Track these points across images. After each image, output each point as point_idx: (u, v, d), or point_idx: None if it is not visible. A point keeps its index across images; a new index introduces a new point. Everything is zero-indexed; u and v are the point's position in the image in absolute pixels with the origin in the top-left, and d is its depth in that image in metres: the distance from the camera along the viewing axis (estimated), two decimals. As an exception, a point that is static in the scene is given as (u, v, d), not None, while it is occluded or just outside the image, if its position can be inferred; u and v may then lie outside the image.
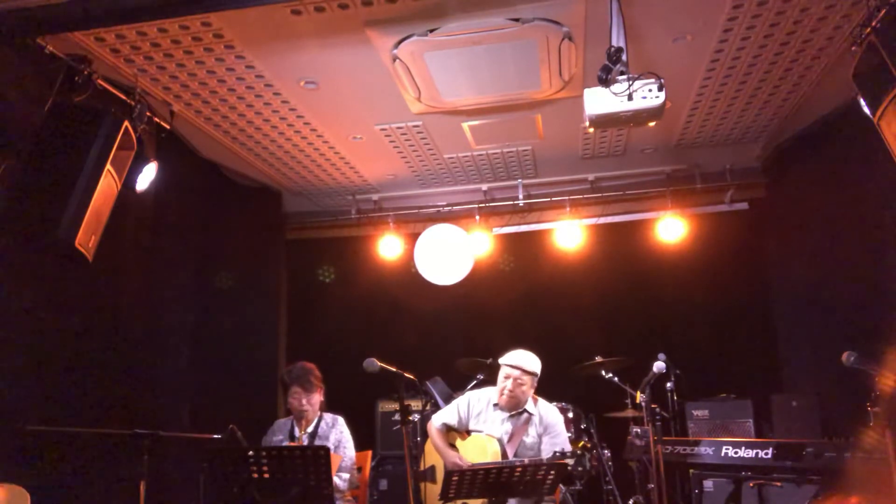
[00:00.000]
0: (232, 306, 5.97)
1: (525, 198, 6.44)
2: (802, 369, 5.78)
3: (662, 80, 3.19)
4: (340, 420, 4.36)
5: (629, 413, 5.33)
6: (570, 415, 5.16)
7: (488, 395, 4.33)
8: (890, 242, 4.45)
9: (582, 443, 5.02)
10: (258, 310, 6.14)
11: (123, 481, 3.89)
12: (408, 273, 6.53)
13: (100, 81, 3.69)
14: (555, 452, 3.80)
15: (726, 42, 4.07)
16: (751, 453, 4.67)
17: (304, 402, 4.19)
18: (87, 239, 3.40)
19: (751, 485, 4.59)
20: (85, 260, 3.48)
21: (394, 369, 3.48)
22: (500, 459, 3.99)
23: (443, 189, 6.58)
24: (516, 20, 3.68)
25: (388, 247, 6.53)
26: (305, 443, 4.14)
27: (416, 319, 6.70)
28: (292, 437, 4.24)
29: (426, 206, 6.69)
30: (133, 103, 3.82)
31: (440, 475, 4.27)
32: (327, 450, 3.29)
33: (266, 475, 3.31)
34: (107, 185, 3.51)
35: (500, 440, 4.11)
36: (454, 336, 6.71)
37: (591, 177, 6.35)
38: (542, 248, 6.51)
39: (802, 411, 5.08)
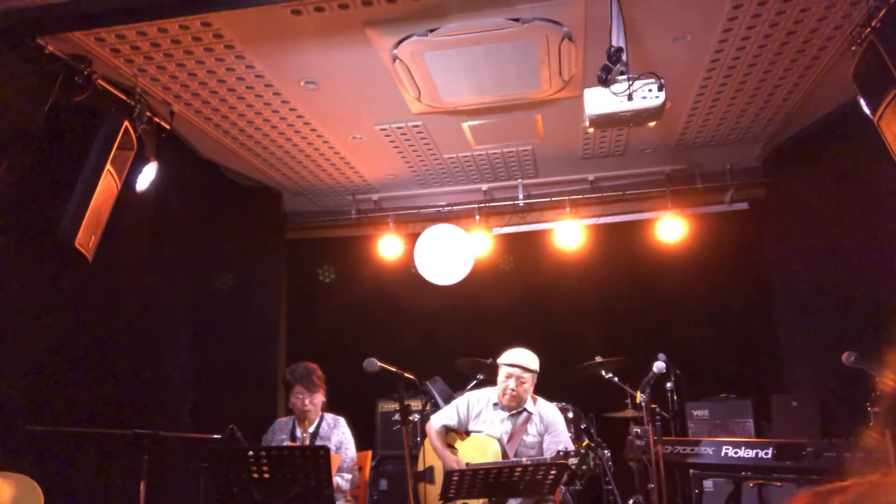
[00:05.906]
0: (232, 306, 5.96)
1: (525, 198, 6.44)
2: (802, 369, 5.78)
3: (662, 80, 3.20)
4: (342, 421, 4.36)
5: (629, 413, 5.33)
6: (570, 415, 5.16)
7: (487, 395, 4.33)
8: (890, 242, 4.45)
9: (586, 441, 5.02)
10: (258, 309, 6.14)
11: (123, 481, 3.89)
12: (408, 273, 6.52)
13: (100, 81, 3.69)
14: (558, 451, 3.80)
15: (726, 42, 4.07)
16: (751, 453, 4.67)
17: (307, 402, 4.19)
18: (87, 239, 3.41)
19: (751, 485, 4.59)
20: (85, 260, 3.48)
21: (394, 369, 3.48)
22: (500, 459, 3.99)
23: (443, 189, 6.58)
24: (516, 20, 3.68)
25: (387, 247, 6.53)
26: (307, 443, 4.14)
27: (416, 319, 6.69)
28: (294, 437, 4.24)
29: (426, 206, 6.69)
30: (133, 103, 3.83)
31: (438, 476, 4.27)
32: (327, 450, 3.29)
33: (266, 475, 3.30)
34: (107, 185, 3.51)
35: (499, 440, 4.11)
36: (454, 336, 6.71)
37: (591, 177, 6.35)
38: (542, 248, 6.50)
39: (802, 411, 5.08)
